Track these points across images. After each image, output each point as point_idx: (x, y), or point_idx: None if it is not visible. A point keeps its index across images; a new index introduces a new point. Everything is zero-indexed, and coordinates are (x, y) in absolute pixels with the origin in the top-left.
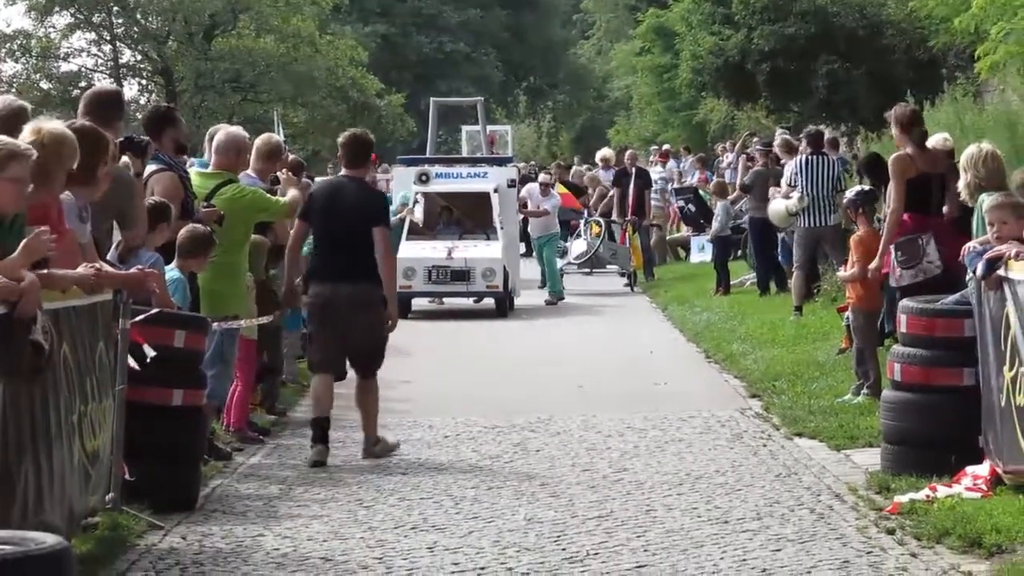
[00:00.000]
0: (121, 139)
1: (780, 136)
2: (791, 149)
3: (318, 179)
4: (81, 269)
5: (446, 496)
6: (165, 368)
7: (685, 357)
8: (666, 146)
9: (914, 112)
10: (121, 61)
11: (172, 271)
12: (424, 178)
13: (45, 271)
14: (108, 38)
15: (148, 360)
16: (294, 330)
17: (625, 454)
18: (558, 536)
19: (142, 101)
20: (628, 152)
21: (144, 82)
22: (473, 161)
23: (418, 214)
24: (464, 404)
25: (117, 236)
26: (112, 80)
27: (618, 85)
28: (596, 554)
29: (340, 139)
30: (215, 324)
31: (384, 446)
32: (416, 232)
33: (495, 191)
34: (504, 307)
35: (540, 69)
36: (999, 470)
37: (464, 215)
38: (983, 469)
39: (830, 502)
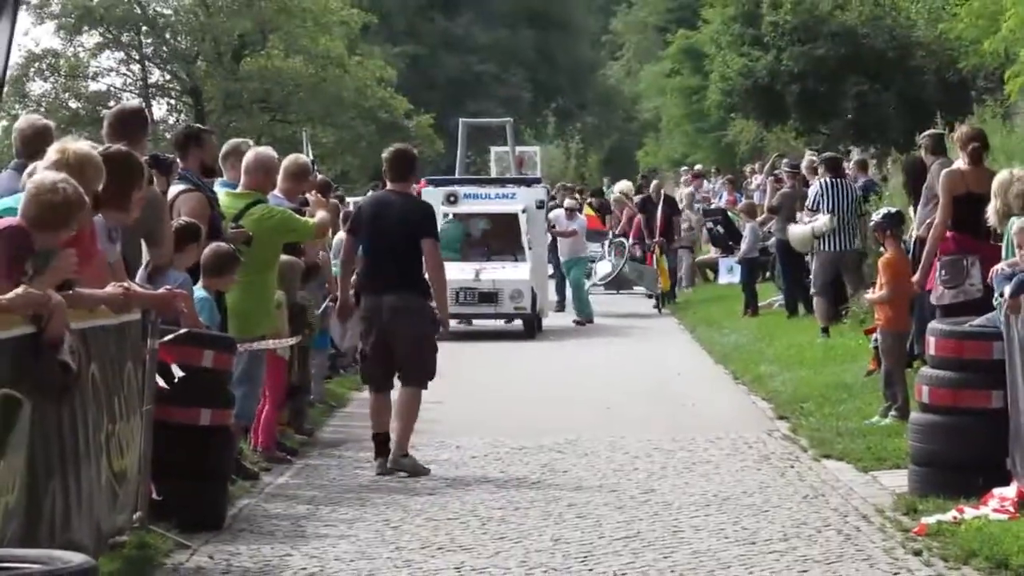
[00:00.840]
0: (146, 157)
1: (807, 157)
2: (817, 170)
3: (350, 199)
4: (109, 288)
5: (473, 516)
6: (193, 388)
7: (713, 379)
8: (698, 166)
9: (973, 130)
10: (150, 81)
11: (198, 290)
12: (452, 199)
13: (72, 292)
14: (137, 58)
15: (176, 380)
16: (322, 350)
17: (652, 475)
18: (585, 557)
19: (171, 121)
20: (654, 183)
21: (173, 102)
22: (501, 182)
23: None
24: (492, 425)
25: (146, 256)
26: (141, 100)
27: (647, 106)
28: (623, 575)
29: (385, 155)
30: (241, 347)
31: (412, 463)
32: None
33: (523, 212)
34: (532, 328)
35: (569, 90)
36: None
37: (492, 236)
38: (1010, 491)
39: (857, 523)
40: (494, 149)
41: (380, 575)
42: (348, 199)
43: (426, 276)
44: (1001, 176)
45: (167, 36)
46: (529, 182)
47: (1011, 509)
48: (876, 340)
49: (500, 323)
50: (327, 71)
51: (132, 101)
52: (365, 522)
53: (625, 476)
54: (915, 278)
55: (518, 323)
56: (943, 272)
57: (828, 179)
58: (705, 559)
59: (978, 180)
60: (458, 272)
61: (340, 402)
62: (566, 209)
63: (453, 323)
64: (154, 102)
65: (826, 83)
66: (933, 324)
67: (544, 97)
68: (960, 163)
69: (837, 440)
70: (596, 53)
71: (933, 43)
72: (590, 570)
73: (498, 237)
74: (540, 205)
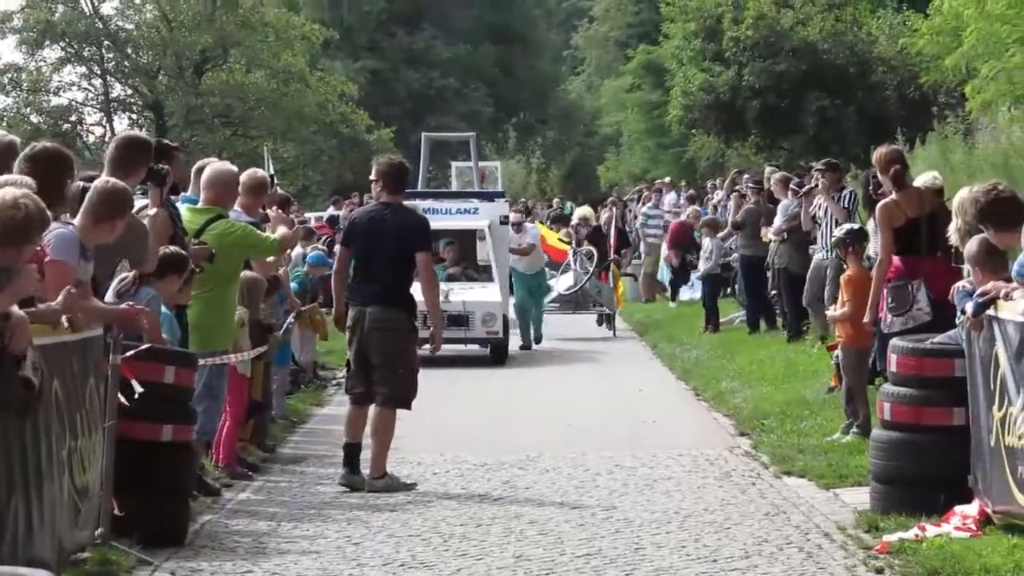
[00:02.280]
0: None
1: (779, 174)
2: (787, 187)
3: (310, 214)
4: (62, 296)
5: (435, 533)
6: (154, 404)
7: (674, 395)
8: (668, 179)
9: (891, 151)
10: (111, 95)
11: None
12: None
13: (34, 308)
14: (99, 72)
15: (136, 396)
16: (283, 366)
17: (614, 492)
18: (547, 574)
19: None
20: (605, 215)
21: (134, 116)
22: (463, 196)
23: None
24: (453, 442)
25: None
26: (102, 114)
27: (608, 121)
28: None
29: (379, 167)
30: (202, 361)
31: (388, 483)
32: None
33: (488, 228)
34: (503, 354)
35: (530, 105)
36: (988, 510)
37: (452, 254)
38: (972, 509)
39: (819, 541)
40: (455, 164)
41: None
42: (308, 214)
43: (414, 294)
44: (961, 195)
45: (129, 51)
46: (491, 196)
47: (973, 527)
48: (838, 356)
49: (471, 348)
50: (288, 86)
51: (139, 132)
52: (327, 539)
53: (586, 493)
54: (866, 318)
55: (477, 347)
56: (890, 299)
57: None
58: None
59: (909, 203)
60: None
61: (301, 418)
62: (512, 224)
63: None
64: (116, 117)
65: (787, 99)
66: (894, 341)
67: (505, 112)
68: (890, 192)
69: (799, 457)
70: (557, 68)
71: (894, 59)
72: None
73: (459, 255)
74: (504, 221)
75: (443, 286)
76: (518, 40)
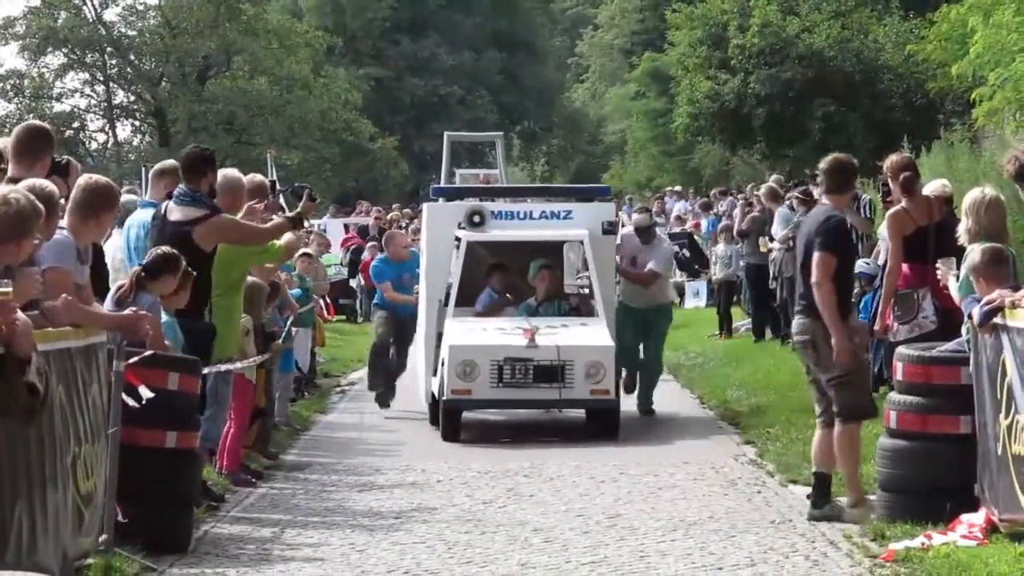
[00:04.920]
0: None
1: (766, 185)
2: (776, 197)
3: (315, 221)
4: (60, 302)
5: (439, 541)
6: (159, 410)
7: (679, 403)
8: (679, 187)
9: (902, 159)
10: (114, 102)
11: (163, 313)
12: (477, 219)
13: (37, 311)
14: (101, 79)
15: (144, 401)
16: (286, 373)
17: (619, 500)
18: None
19: (135, 143)
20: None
21: (137, 123)
22: (551, 192)
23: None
24: (457, 449)
25: (113, 279)
26: (105, 121)
27: (613, 129)
28: None
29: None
30: (207, 368)
31: (859, 514)
32: (467, 306)
33: (586, 241)
34: (615, 424)
35: (534, 113)
36: (994, 518)
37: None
38: (978, 517)
39: (824, 549)
40: (459, 171)
41: None
42: (314, 221)
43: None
44: (973, 195)
45: (132, 57)
46: (590, 194)
47: (979, 535)
48: None
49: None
50: (292, 93)
51: (38, 121)
52: (330, 546)
53: (591, 501)
54: (876, 326)
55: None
56: (896, 308)
57: None
58: None
59: (919, 211)
60: (502, 335)
61: (305, 425)
62: (637, 228)
63: (492, 413)
64: (118, 123)
65: (793, 106)
66: (901, 349)
67: (509, 120)
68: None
69: (804, 465)
70: (562, 75)
71: (900, 66)
72: None
73: (547, 278)
74: (609, 228)
75: (525, 323)
76: (522, 48)
